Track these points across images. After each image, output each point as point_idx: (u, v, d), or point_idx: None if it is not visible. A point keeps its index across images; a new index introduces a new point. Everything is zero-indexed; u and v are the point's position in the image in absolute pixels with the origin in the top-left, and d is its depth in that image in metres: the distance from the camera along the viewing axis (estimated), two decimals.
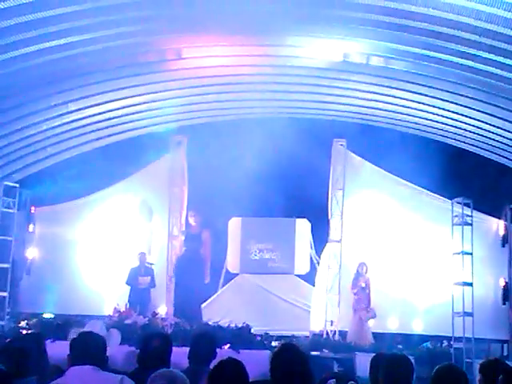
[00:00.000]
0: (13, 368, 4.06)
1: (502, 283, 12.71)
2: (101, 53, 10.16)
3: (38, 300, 12.34)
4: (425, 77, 10.93)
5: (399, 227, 13.14)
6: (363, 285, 12.09)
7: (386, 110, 13.05)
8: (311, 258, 14.33)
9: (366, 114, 13.47)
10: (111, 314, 9.79)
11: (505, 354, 12.23)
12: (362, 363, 7.65)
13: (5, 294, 12.02)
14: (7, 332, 9.65)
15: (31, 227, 13.65)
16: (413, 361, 4.48)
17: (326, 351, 10.10)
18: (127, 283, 12.20)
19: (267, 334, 9.19)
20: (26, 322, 10.17)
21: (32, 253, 13.49)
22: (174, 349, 4.88)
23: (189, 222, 12.04)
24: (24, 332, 9.33)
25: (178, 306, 11.36)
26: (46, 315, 11.27)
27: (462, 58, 9.65)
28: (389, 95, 12.17)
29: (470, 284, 11.66)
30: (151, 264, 12.22)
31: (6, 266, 12.17)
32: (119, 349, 8.15)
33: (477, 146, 13.29)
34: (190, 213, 12.09)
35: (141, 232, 13.24)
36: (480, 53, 9.27)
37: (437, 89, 11.29)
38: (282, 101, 13.49)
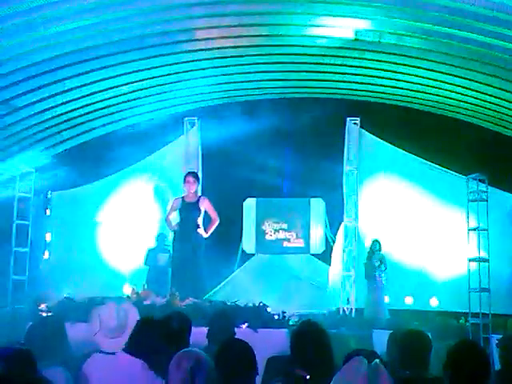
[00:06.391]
0: (35, 351, 4.14)
1: None
2: (111, 36, 10.21)
3: (57, 283, 12.47)
4: (438, 53, 10.88)
5: (414, 204, 13.12)
6: (377, 263, 12.09)
7: (399, 88, 13.00)
8: (326, 237, 14.36)
9: (380, 92, 13.44)
10: (130, 295, 9.85)
11: None
12: (380, 340, 7.68)
13: (24, 277, 12.17)
14: (28, 315, 9.74)
15: (48, 211, 13.76)
16: (430, 337, 4.52)
17: (343, 329, 10.13)
18: (145, 263, 12.40)
19: (284, 312, 9.22)
20: (45, 304, 10.27)
21: (49, 236, 13.61)
22: (192, 328, 4.96)
23: (185, 188, 10.52)
24: (44, 314, 9.44)
25: (174, 281, 10.28)
26: (66, 297, 11.36)
27: (474, 33, 9.59)
28: (402, 72, 12.12)
29: (486, 260, 11.65)
30: (168, 245, 12.30)
31: (24, 250, 12.30)
32: None
33: (492, 122, 13.23)
34: (188, 178, 10.43)
35: (157, 214, 13.31)
36: (493, 28, 9.20)
37: (450, 65, 11.24)
38: (295, 80, 13.47)
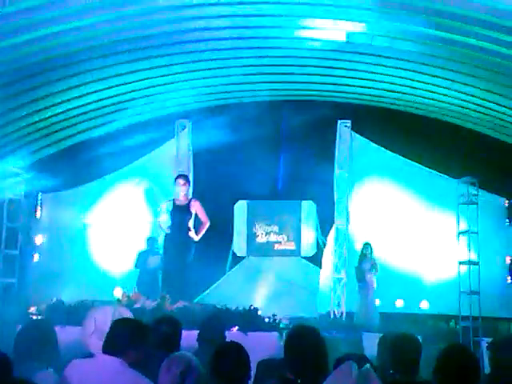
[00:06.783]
0: (25, 354, 4.12)
1: (508, 261, 12.77)
2: (102, 39, 10.18)
3: (47, 286, 12.42)
4: (430, 56, 10.90)
5: (405, 207, 13.16)
6: (369, 266, 12.10)
7: (390, 91, 13.02)
8: (317, 239, 14.37)
9: (371, 95, 13.44)
10: (120, 298, 9.83)
11: None
12: (370, 343, 7.70)
13: (13, 280, 12.10)
14: (17, 318, 9.70)
15: (38, 213, 13.71)
16: (420, 340, 4.52)
17: (334, 332, 10.14)
18: (136, 266, 12.39)
19: (275, 315, 9.23)
20: (35, 307, 10.23)
21: (40, 239, 13.56)
22: (183, 332, 4.94)
23: (176, 191, 10.37)
24: (34, 317, 9.40)
25: (165, 284, 10.33)
26: (56, 300, 11.33)
27: (467, 36, 9.61)
28: (393, 75, 12.14)
29: (477, 263, 11.68)
30: (159, 248, 12.29)
31: (14, 252, 12.23)
32: None
33: (483, 125, 13.27)
34: (179, 181, 10.33)
35: (147, 217, 13.29)
36: (485, 31, 9.23)
37: (441, 68, 11.26)
38: (287, 83, 13.46)
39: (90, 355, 3.91)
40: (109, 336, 3.80)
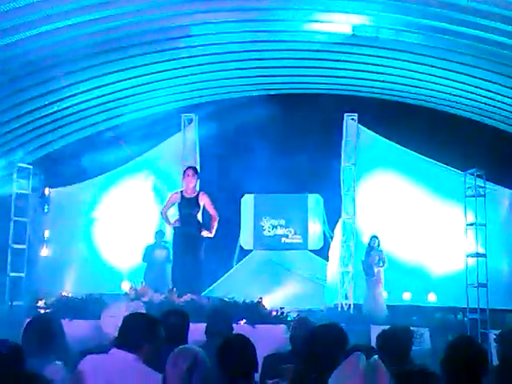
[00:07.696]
0: (33, 348, 4.13)
1: None
2: (108, 33, 10.18)
3: (55, 280, 12.47)
4: (436, 49, 10.87)
5: (412, 200, 13.13)
6: (376, 258, 12.09)
7: (396, 83, 12.99)
8: (324, 233, 14.38)
9: (377, 88, 13.42)
10: (128, 292, 9.84)
11: None
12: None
13: (22, 274, 12.16)
14: (26, 312, 9.74)
15: (46, 208, 13.75)
16: (428, 332, 4.53)
17: (342, 324, 10.13)
18: (144, 260, 12.41)
19: (282, 308, 9.23)
20: (44, 301, 10.27)
21: (47, 233, 13.61)
22: (190, 325, 4.96)
23: (184, 183, 10.15)
24: (42, 311, 9.44)
25: (175, 277, 10.14)
26: (64, 294, 11.38)
27: (473, 28, 9.58)
28: (399, 68, 12.11)
29: (484, 255, 11.65)
30: (166, 242, 12.30)
31: (22, 246, 12.29)
32: None
33: (490, 117, 13.24)
34: (188, 172, 10.12)
35: (155, 211, 13.29)
36: (491, 23, 9.19)
37: (448, 60, 11.23)
38: (293, 76, 13.45)
39: (102, 348, 3.90)
40: (122, 331, 3.78)
